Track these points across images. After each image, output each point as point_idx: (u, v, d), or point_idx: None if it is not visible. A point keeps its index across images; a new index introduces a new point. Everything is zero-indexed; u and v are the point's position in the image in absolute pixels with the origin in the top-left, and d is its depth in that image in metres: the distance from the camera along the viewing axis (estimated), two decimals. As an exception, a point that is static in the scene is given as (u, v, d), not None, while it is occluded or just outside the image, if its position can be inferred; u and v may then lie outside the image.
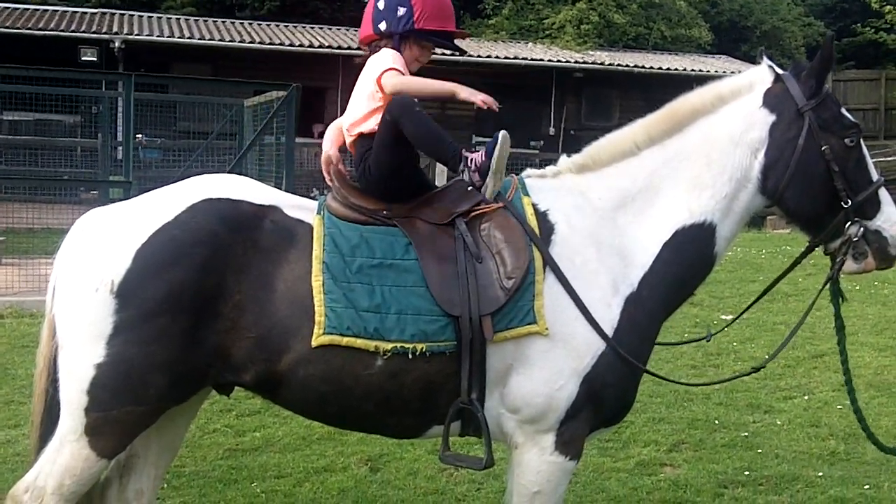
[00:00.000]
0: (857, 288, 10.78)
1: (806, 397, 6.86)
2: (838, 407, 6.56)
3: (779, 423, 6.27)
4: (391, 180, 3.34)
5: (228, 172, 9.74)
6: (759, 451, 5.71)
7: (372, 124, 3.41)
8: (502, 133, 3.23)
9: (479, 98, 3.33)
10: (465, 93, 3.34)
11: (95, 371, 2.98)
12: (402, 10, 3.44)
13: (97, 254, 3.06)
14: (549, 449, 3.20)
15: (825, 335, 8.45)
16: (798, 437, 5.99)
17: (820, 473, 5.32)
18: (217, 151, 14.53)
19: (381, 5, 3.49)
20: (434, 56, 3.64)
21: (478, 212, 3.26)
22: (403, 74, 3.40)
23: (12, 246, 11.46)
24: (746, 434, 6.01)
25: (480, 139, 21.79)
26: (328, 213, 3.26)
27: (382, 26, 3.50)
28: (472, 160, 3.27)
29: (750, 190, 3.34)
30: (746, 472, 5.33)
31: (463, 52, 3.73)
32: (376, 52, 3.51)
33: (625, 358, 3.15)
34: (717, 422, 6.23)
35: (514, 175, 3.45)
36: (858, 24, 27.26)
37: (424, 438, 3.38)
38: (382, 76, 3.37)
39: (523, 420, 3.19)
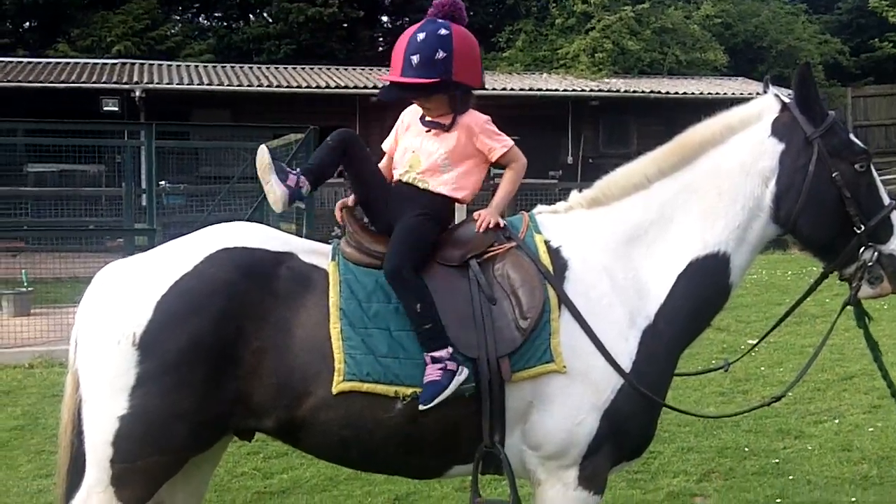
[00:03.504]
0: (886, 307, 10.63)
1: (836, 421, 6.77)
2: (869, 430, 6.47)
3: (809, 448, 6.19)
4: None
5: (251, 215, 9.99)
6: (791, 477, 5.64)
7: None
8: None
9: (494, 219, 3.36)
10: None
11: (119, 423, 3.02)
12: (441, 54, 3.22)
13: (118, 307, 3.10)
14: (573, 484, 3.19)
15: (854, 356, 8.35)
16: (829, 462, 5.91)
17: (853, 498, 5.25)
18: (239, 195, 14.67)
19: (415, 61, 3.23)
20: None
21: (491, 253, 3.27)
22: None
23: (41, 296, 11.57)
24: (777, 461, 5.93)
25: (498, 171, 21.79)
26: (343, 259, 3.28)
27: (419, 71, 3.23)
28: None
29: (763, 219, 3.34)
30: (778, 500, 5.26)
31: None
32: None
33: (643, 392, 3.15)
34: (746, 449, 6.16)
35: (524, 213, 3.46)
36: (876, 40, 27.08)
37: (446, 478, 3.38)
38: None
39: (545, 456, 3.19)
